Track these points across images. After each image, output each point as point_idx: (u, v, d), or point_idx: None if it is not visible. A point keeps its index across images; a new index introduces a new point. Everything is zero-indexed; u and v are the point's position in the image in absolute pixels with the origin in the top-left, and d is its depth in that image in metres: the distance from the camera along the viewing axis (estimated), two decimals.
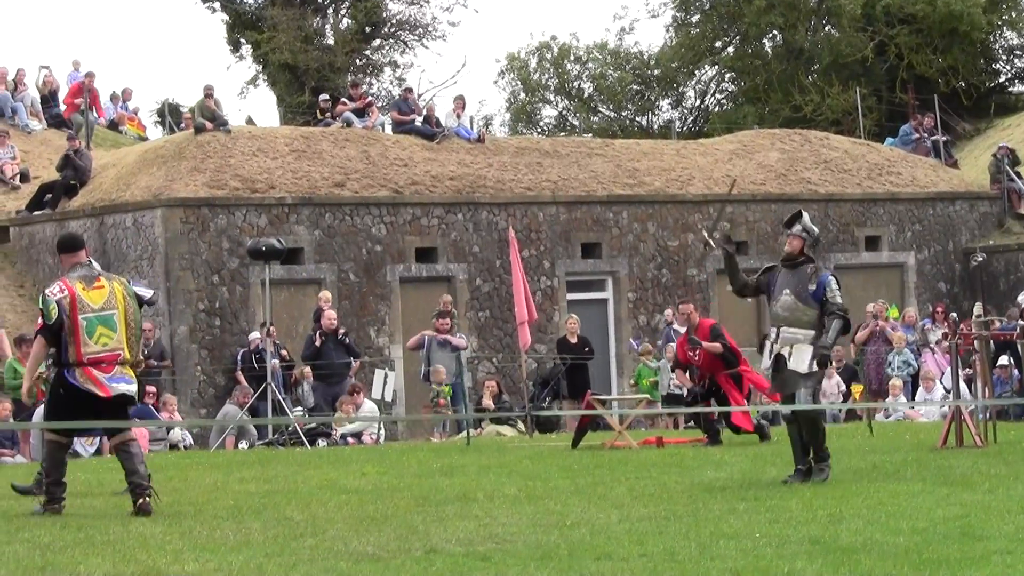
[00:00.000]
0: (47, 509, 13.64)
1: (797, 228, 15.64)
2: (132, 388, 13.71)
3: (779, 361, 15.37)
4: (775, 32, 53.88)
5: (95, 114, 38.51)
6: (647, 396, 27.71)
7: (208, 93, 32.73)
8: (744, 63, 54.84)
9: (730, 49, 56.85)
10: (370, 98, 39.42)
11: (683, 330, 28.56)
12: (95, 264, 14.30)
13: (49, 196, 32.58)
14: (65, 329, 13.44)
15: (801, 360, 15.23)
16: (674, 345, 29.14)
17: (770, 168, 36.94)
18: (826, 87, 49.88)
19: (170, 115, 47.15)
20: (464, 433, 25.60)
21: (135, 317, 13.83)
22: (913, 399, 28.62)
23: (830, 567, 9.61)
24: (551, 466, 18.28)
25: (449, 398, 28.04)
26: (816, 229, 15.96)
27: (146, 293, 14.75)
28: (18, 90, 39.05)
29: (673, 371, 23.46)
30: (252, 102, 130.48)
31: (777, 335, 15.42)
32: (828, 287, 15.30)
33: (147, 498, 13.44)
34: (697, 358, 21.92)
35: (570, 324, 30.56)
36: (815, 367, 15.24)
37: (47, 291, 13.80)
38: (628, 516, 12.52)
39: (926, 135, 41.32)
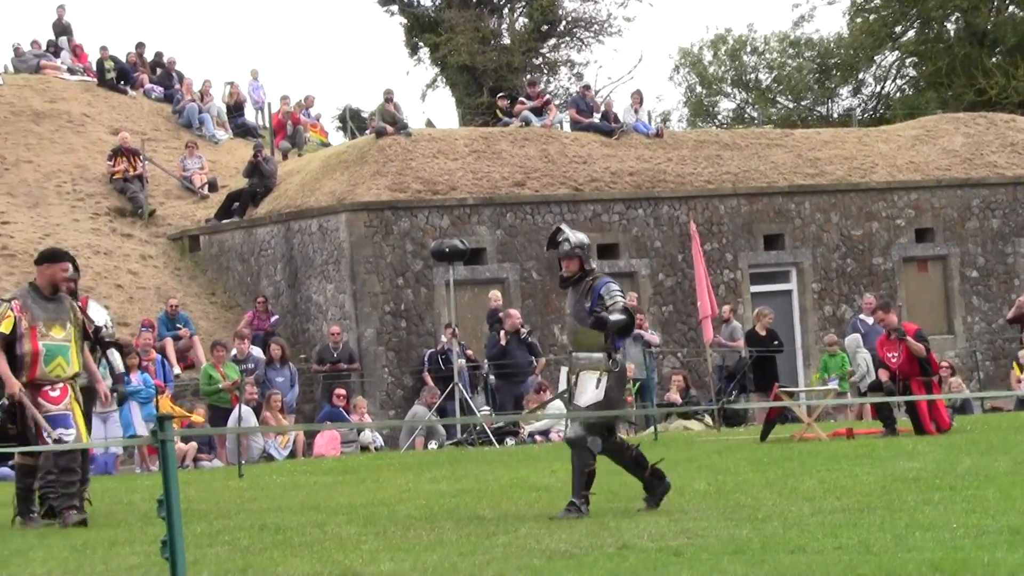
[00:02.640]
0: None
1: (566, 247, 13.35)
2: None
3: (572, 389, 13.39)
4: (957, 15, 53.02)
5: (305, 132, 39.17)
6: (836, 387, 27.42)
7: (388, 97, 33.06)
8: (926, 47, 54.04)
9: (910, 33, 56.07)
10: (548, 96, 39.54)
11: (870, 320, 28.32)
12: None
13: (236, 204, 33.16)
14: None
15: (584, 391, 13.14)
16: (858, 336, 28.86)
17: (955, 153, 36.37)
18: (1011, 69, 48.95)
19: (351, 120, 47.71)
20: (651, 428, 25.57)
21: None
22: None
23: None
24: (740, 460, 18.19)
25: (636, 393, 28.02)
26: (584, 237, 13.56)
27: None
28: (205, 101, 39.86)
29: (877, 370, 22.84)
30: (431, 104, 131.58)
31: (571, 362, 13.50)
32: (606, 294, 13.22)
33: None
34: (896, 358, 21.48)
35: (765, 318, 30.07)
36: (600, 395, 13.03)
37: None
38: (820, 509, 12.41)
39: None
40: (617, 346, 13.32)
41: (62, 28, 42.78)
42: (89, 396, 14.70)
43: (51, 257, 14.25)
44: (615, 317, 13.12)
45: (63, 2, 42.89)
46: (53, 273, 13.97)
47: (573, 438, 13.13)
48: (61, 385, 13.81)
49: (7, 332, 13.71)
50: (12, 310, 13.79)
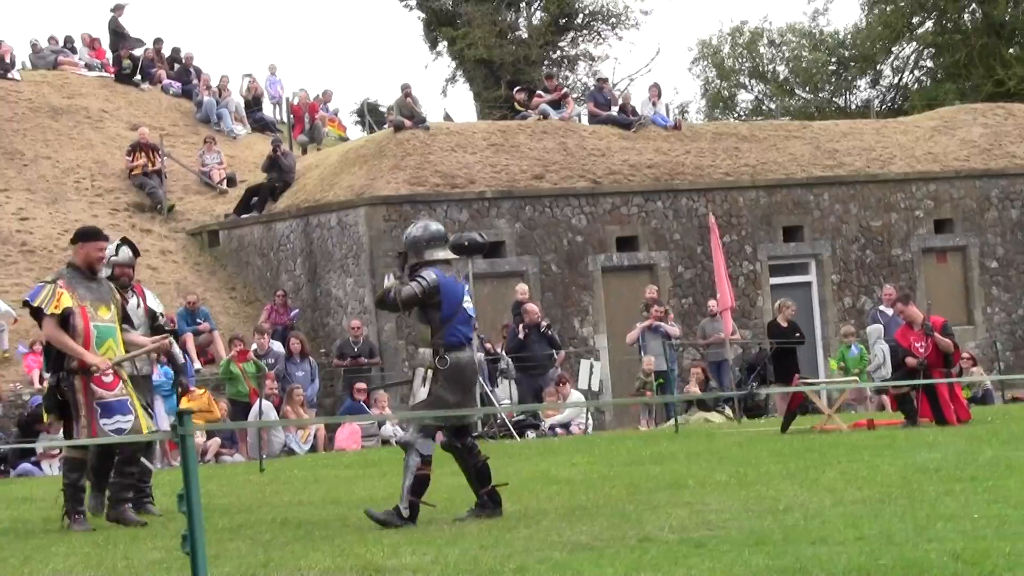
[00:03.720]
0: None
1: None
2: None
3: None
4: (974, 6, 52.90)
5: (323, 127, 39.24)
6: (856, 378, 27.38)
7: (407, 92, 33.06)
8: (943, 39, 53.93)
9: (928, 25, 55.96)
10: (565, 89, 39.52)
11: (890, 312, 28.24)
12: None
13: (255, 199, 33.20)
14: None
15: (416, 389, 12.70)
16: (880, 326, 28.78)
17: (973, 144, 36.31)
18: None
19: (370, 114, 47.77)
20: (672, 420, 25.56)
21: None
22: None
23: None
24: (761, 451, 18.18)
25: (656, 389, 27.97)
26: (416, 231, 12.92)
27: None
28: (223, 96, 39.89)
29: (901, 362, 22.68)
30: (449, 98, 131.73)
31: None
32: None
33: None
34: (923, 349, 21.39)
35: (788, 310, 29.85)
36: (424, 394, 12.58)
37: None
38: (841, 500, 12.40)
39: None
40: (447, 342, 12.52)
41: (117, 27, 42.70)
42: (142, 384, 14.26)
43: (86, 235, 13.54)
44: (393, 282, 12.63)
45: (122, 2, 42.87)
46: (88, 252, 13.27)
47: (406, 441, 12.69)
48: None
49: (69, 304, 12.95)
50: (61, 287, 13.03)
